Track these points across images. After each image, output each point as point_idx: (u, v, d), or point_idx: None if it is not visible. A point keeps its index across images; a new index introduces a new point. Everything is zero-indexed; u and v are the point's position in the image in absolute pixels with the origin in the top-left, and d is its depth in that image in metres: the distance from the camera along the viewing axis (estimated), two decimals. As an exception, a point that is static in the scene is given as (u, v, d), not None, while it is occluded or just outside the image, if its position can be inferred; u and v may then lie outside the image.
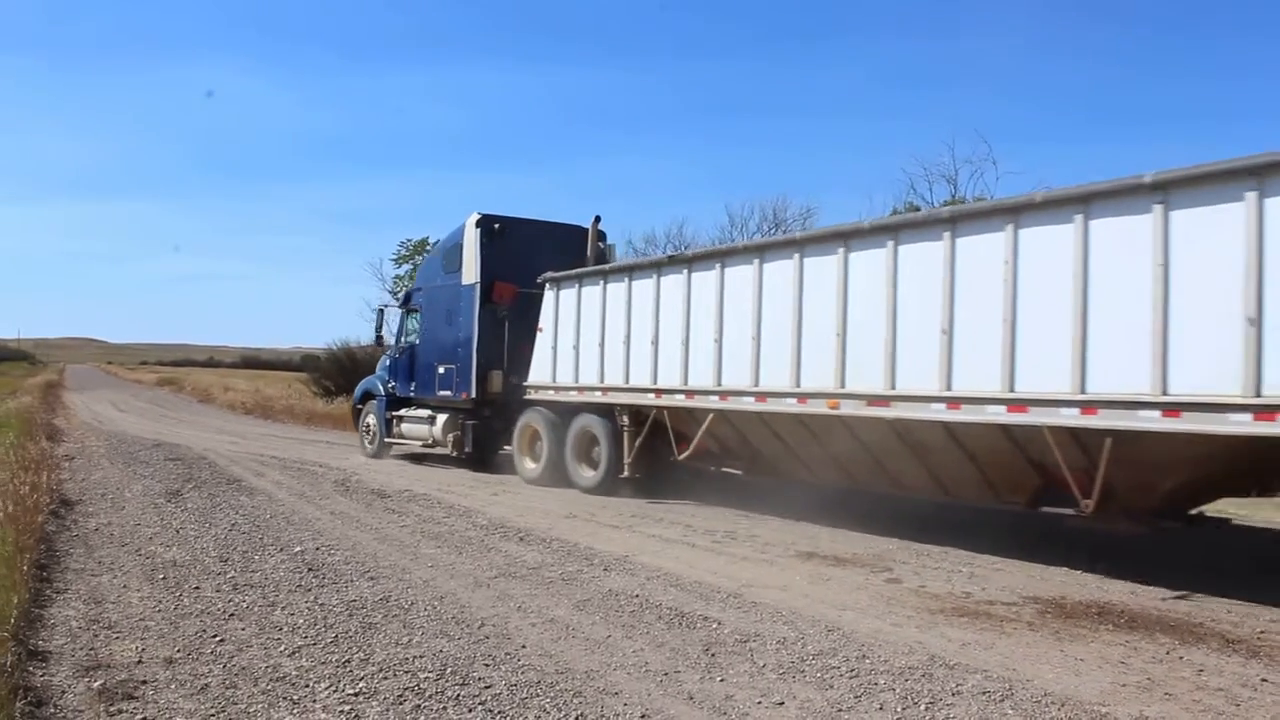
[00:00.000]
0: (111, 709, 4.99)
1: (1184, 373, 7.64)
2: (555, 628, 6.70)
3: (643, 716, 5.03)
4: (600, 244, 17.24)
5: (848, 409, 10.36)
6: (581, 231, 16.94)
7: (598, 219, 17.00)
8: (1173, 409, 7.66)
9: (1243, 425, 7.25)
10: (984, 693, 5.47)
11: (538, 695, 5.30)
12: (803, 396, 10.91)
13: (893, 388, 9.90)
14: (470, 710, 5.07)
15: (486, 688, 5.40)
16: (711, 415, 12.34)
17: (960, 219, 9.58)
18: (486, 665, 5.81)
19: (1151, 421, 7.79)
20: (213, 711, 5.00)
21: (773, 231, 34.11)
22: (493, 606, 7.25)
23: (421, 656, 5.95)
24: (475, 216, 17.00)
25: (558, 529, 10.89)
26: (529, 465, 15.62)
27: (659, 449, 13.51)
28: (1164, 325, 7.74)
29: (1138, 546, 9.54)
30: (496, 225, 16.87)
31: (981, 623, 7.08)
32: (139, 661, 5.77)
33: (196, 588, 7.67)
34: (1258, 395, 7.16)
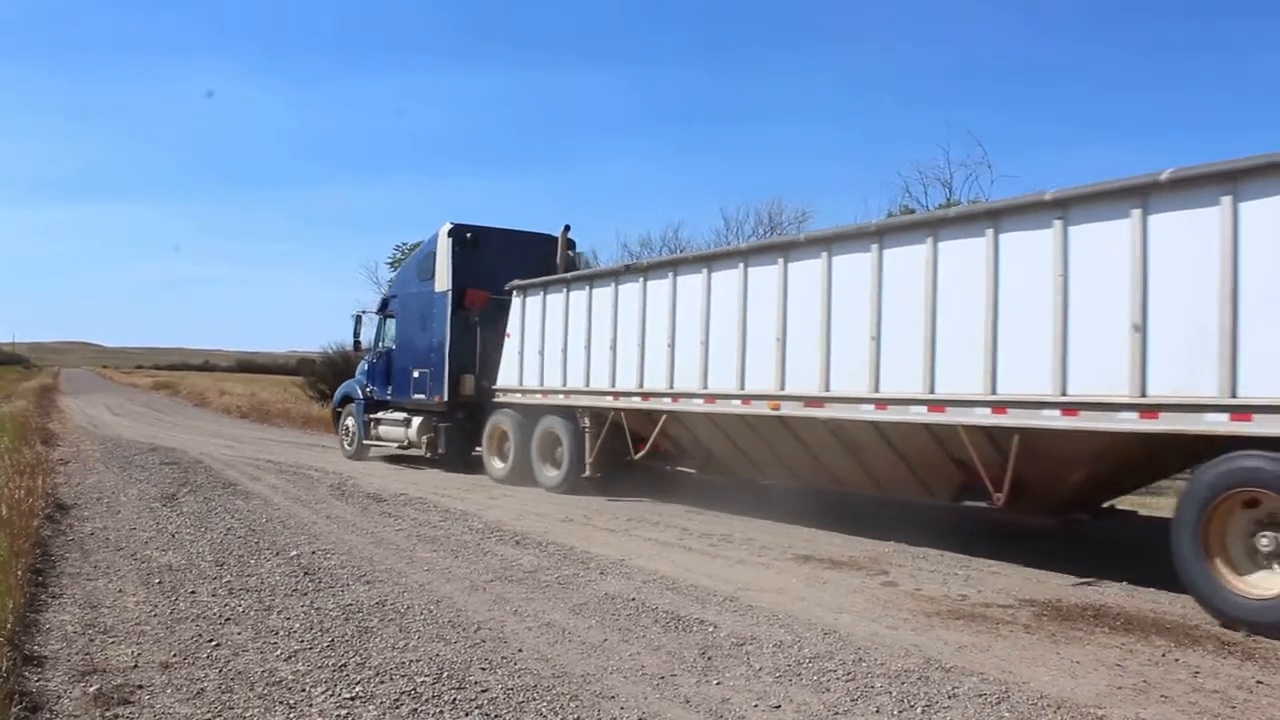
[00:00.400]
0: (107, 714, 4.99)
1: (1080, 375, 8.30)
2: (552, 631, 6.70)
3: (639, 720, 5.04)
4: (570, 252, 17.85)
5: (787, 410, 11.00)
6: (552, 240, 17.63)
7: (567, 228, 17.63)
8: (1071, 408, 8.31)
9: (1130, 423, 7.92)
10: (980, 695, 5.48)
11: (534, 699, 5.29)
12: (747, 398, 11.55)
13: (827, 390, 10.54)
14: (467, 714, 5.06)
15: (483, 691, 5.40)
16: (665, 416, 12.94)
17: (886, 232, 10.22)
18: (483, 669, 5.80)
19: (1053, 420, 8.44)
20: (209, 716, 4.99)
21: (768, 234, 34.10)
22: (489, 610, 7.24)
23: (418, 660, 5.94)
24: (447, 226, 17.63)
25: (554, 532, 10.89)
26: (498, 465, 16.25)
27: (618, 449, 14.04)
28: (1063, 332, 8.40)
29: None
30: (468, 235, 17.49)
31: (978, 625, 7.09)
32: (135, 666, 5.76)
33: (192, 592, 7.66)
34: (1143, 395, 7.82)
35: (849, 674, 5.83)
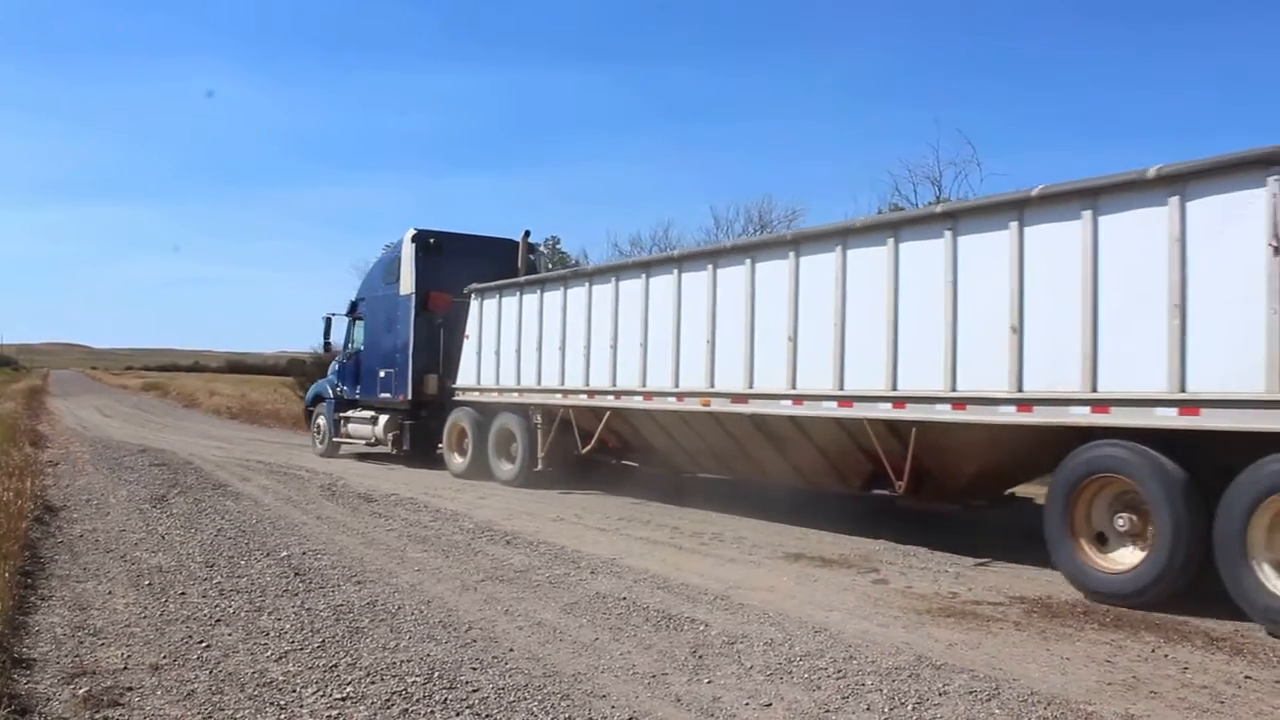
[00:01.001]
0: (97, 716, 4.97)
1: (967, 372, 9.13)
2: (543, 631, 6.70)
3: (630, 719, 5.03)
4: (531, 256, 18.77)
5: (717, 406, 11.82)
6: (514, 245, 18.42)
7: (527, 234, 18.52)
8: (960, 403, 9.16)
9: (1009, 416, 8.77)
10: (971, 692, 5.49)
11: (525, 699, 5.29)
12: (681, 395, 12.39)
13: (751, 387, 11.38)
14: (458, 714, 5.06)
15: (474, 691, 5.40)
16: (609, 413, 13.79)
17: (801, 240, 11.08)
18: (474, 669, 5.80)
19: (945, 414, 9.29)
20: (199, 717, 4.98)
21: (757, 232, 34.14)
22: (480, 610, 7.24)
23: (409, 660, 5.94)
24: (412, 232, 18.46)
25: (545, 532, 10.89)
26: (457, 460, 17.02)
27: (568, 444, 14.82)
28: (953, 333, 9.22)
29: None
30: (432, 240, 18.35)
31: (968, 623, 7.11)
32: (124, 668, 5.75)
33: (182, 593, 7.64)
34: (1019, 391, 8.66)
35: (840, 671, 5.84)
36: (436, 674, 5.68)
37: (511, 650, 6.20)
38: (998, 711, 5.21)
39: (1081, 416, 8.20)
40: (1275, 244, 7.11)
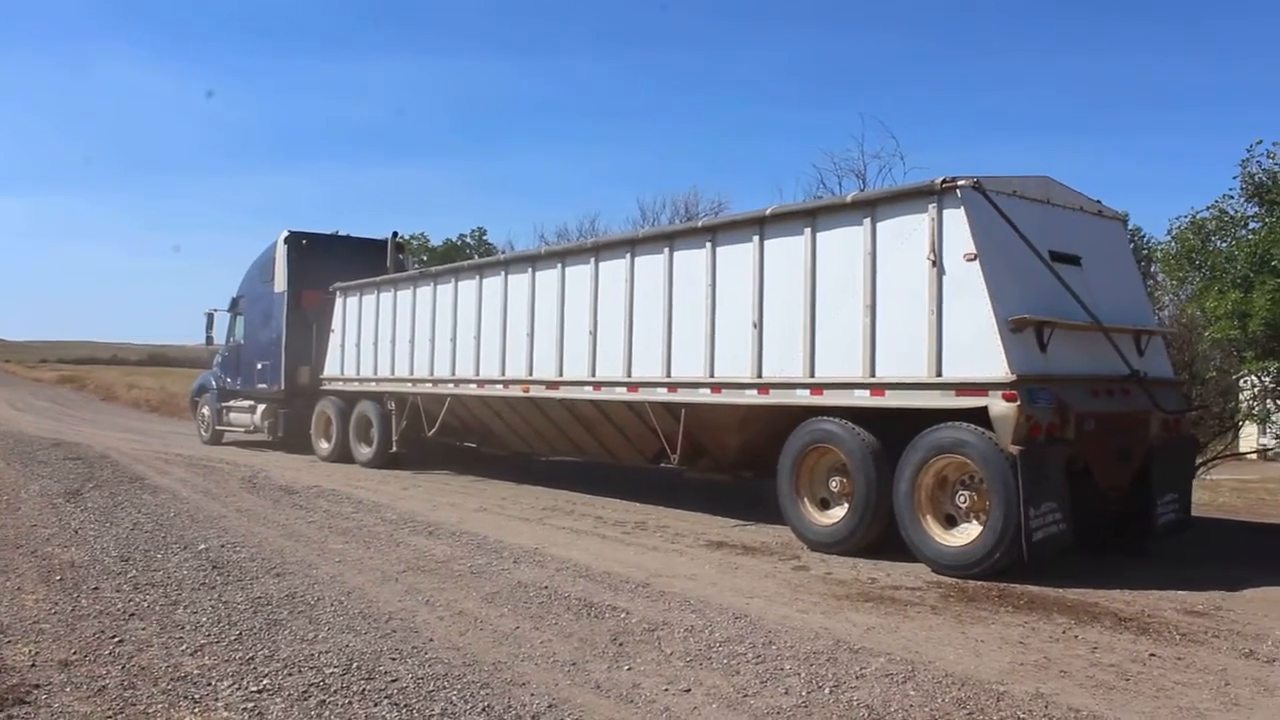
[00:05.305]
0: (1, 715, 4.86)
1: (722, 361, 10.64)
2: (463, 620, 6.68)
3: (550, 706, 5.04)
4: (400, 255, 20.15)
5: (535, 392, 13.34)
6: (384, 245, 19.77)
7: (395, 234, 20.03)
8: (716, 387, 10.68)
9: (753, 398, 10.29)
10: (887, 675, 5.59)
11: (445, 688, 5.28)
12: (507, 383, 13.96)
13: (561, 375, 12.90)
14: (376, 704, 5.03)
15: (393, 681, 5.37)
16: (449, 399, 15.32)
17: (600, 248, 12.69)
18: (393, 659, 5.77)
19: (706, 396, 10.82)
20: (110, 713, 4.88)
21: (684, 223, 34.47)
22: (400, 601, 7.20)
23: (327, 652, 5.88)
24: (285, 234, 19.65)
25: (468, 522, 10.85)
26: (323, 445, 18.44)
27: (418, 429, 16.31)
28: (712, 328, 10.76)
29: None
30: (304, 241, 19.71)
31: (886, 607, 7.22)
32: (32, 665, 5.61)
33: (95, 588, 7.49)
34: (760, 377, 10.18)
35: (759, 657, 5.90)
36: (355, 665, 5.64)
37: (431, 640, 6.17)
38: (913, 693, 5.31)
39: (804, 398, 9.77)
40: (933, 258, 8.66)
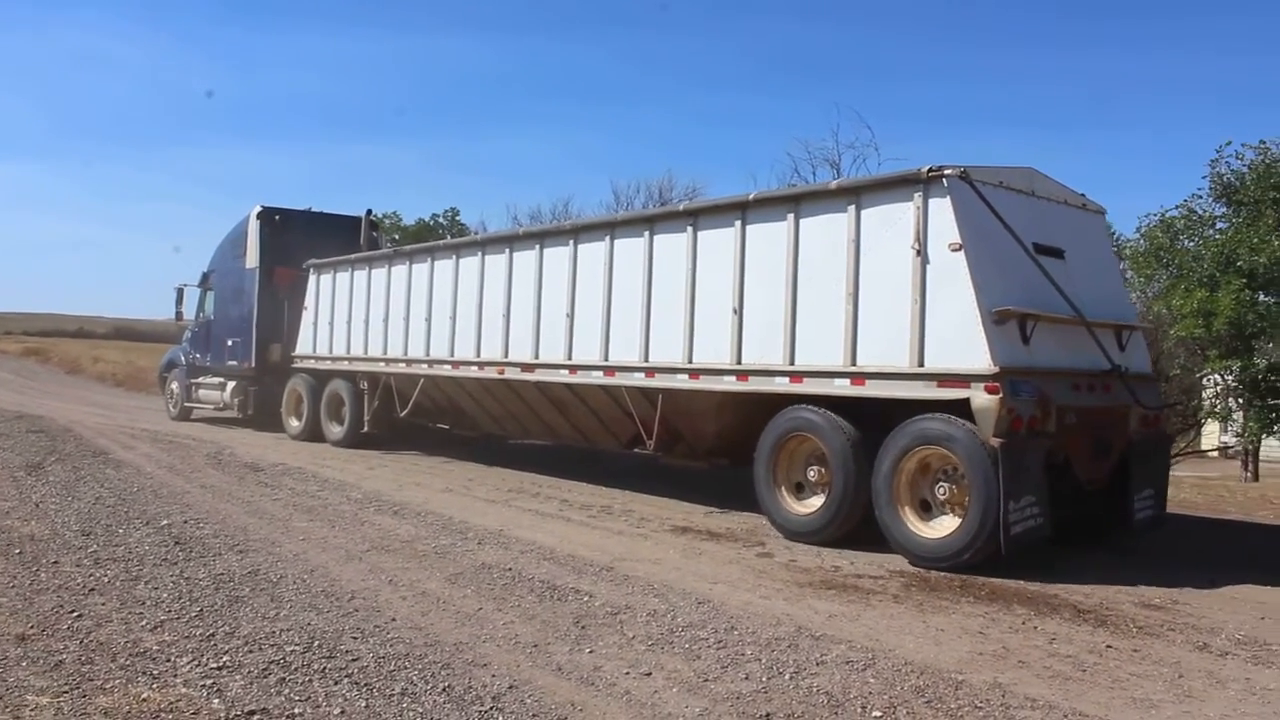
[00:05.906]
0: (-43, 686, 4.81)
1: (701, 347, 10.55)
2: (426, 601, 6.67)
3: (510, 688, 5.04)
4: (374, 233, 20.16)
5: (510, 375, 13.24)
6: (358, 222, 19.82)
7: (369, 212, 20.17)
8: (695, 373, 10.59)
9: (731, 385, 10.22)
10: (847, 662, 5.63)
11: (405, 668, 5.27)
12: (482, 364, 13.79)
13: (537, 358, 12.77)
14: (336, 683, 5.02)
15: (354, 660, 5.36)
16: (423, 380, 15.16)
17: (579, 230, 12.57)
18: (355, 638, 5.76)
19: (683, 382, 10.72)
20: (66, 688, 4.84)
21: (658, 206, 34.44)
22: (364, 580, 7.18)
23: (289, 629, 5.86)
24: (257, 209, 19.41)
25: (433, 503, 10.84)
26: (294, 423, 18.29)
27: (390, 409, 16.13)
28: (691, 313, 10.65)
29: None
30: (277, 217, 19.45)
31: (849, 595, 7.27)
32: (-11, 638, 5.56)
33: (55, 562, 7.42)
34: (738, 363, 10.12)
35: (720, 642, 5.93)
36: (316, 643, 5.62)
37: (394, 620, 6.17)
38: (872, 680, 5.35)
39: (783, 385, 9.70)
40: (917, 247, 8.59)
